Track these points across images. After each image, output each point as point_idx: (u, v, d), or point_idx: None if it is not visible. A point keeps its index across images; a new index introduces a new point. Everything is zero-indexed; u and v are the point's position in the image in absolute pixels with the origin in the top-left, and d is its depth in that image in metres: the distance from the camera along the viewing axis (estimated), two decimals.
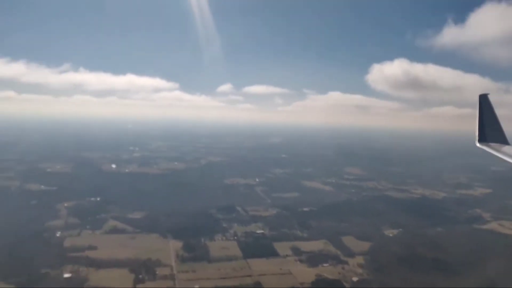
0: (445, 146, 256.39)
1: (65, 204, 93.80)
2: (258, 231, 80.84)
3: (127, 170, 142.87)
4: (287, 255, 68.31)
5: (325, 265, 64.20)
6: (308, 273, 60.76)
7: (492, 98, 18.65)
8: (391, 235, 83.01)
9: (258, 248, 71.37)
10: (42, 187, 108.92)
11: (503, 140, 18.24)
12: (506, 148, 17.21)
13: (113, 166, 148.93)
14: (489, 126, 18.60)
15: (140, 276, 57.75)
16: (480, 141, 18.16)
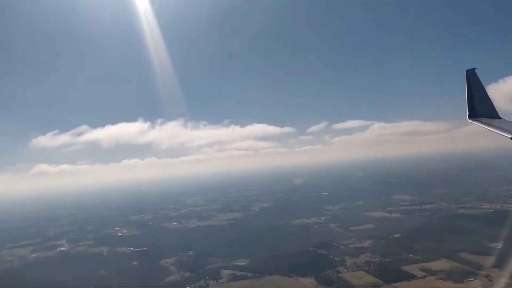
0: (477, 163, 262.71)
1: (167, 261, 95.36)
2: (374, 260, 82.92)
3: (192, 225, 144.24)
4: (424, 275, 70.45)
5: (470, 279, 66.37)
6: None
7: None
8: (499, 247, 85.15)
9: (390, 273, 73.34)
10: (132, 249, 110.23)
11: (494, 114, 18.16)
12: (497, 121, 17.10)
13: (175, 223, 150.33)
14: (479, 101, 18.48)
15: None
16: (470, 116, 18.16)
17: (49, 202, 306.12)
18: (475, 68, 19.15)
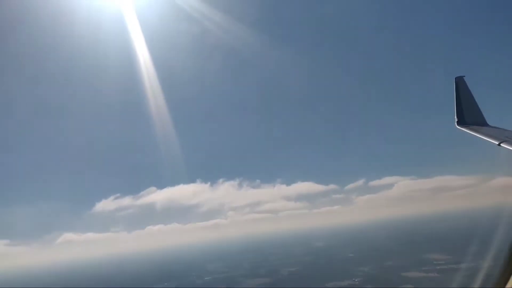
0: (506, 219, 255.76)
1: None
2: None
3: None
4: None
5: None
6: None
7: None
8: None
9: None
10: None
11: (482, 122, 18.60)
12: (485, 129, 17.58)
13: None
14: (467, 108, 18.90)
15: None
16: (459, 123, 18.62)
17: (70, 273, 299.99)
18: (464, 76, 19.52)
